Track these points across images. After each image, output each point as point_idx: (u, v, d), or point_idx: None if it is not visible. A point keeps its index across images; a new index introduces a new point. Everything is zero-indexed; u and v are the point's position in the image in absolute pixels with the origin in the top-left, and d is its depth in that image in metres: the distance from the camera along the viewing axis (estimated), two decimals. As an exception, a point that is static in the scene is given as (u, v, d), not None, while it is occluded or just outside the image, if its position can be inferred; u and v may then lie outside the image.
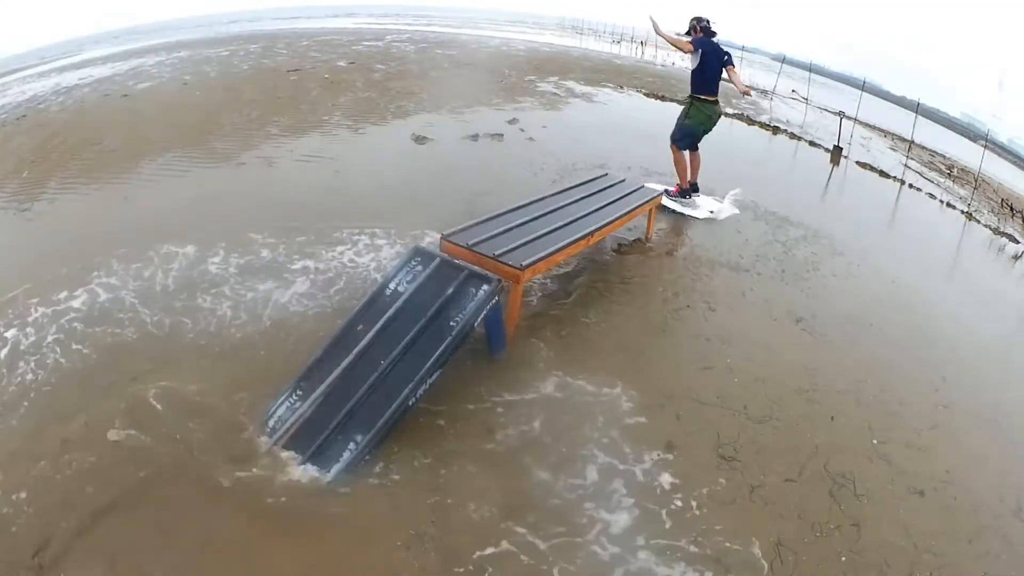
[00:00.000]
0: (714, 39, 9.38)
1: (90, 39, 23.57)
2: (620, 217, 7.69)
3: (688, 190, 9.80)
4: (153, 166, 10.20)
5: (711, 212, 9.71)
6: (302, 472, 4.54)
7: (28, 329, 5.89)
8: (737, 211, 9.90)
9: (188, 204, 8.72)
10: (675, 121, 9.67)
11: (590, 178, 8.67)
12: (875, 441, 5.54)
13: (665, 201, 9.43)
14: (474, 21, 34.88)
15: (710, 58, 9.19)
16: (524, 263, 5.99)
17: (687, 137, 9.56)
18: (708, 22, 9.32)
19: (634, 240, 8.54)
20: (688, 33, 9.35)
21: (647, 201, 8.29)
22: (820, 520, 4.64)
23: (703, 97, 9.36)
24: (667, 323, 6.88)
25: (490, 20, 35.48)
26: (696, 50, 9.13)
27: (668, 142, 9.59)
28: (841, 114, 16.94)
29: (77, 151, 10.88)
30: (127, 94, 14.64)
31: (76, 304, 6.25)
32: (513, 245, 6.25)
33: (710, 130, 9.65)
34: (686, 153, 9.71)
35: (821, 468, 5.13)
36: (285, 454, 4.65)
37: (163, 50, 20.15)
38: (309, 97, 14.62)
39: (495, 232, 6.46)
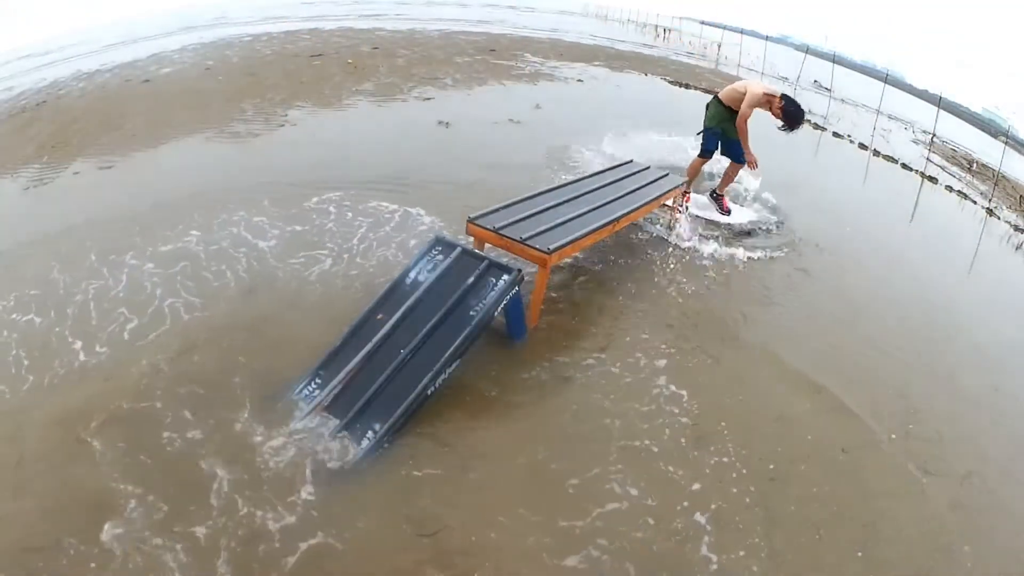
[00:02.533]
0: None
1: (110, 24, 23.48)
2: (646, 204, 7.61)
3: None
4: (175, 150, 10.16)
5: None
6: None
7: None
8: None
9: (209, 189, 8.64)
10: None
11: (615, 164, 8.58)
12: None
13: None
14: (500, 5, 34.76)
15: None
16: (551, 247, 5.92)
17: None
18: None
19: (657, 226, 8.42)
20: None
21: (672, 189, 8.18)
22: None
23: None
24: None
25: (516, 5, 35.32)
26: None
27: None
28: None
29: (98, 136, 10.83)
30: (148, 79, 14.57)
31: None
32: (540, 229, 6.19)
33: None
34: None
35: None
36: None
37: (185, 35, 20.07)
38: (332, 82, 14.50)
39: (522, 216, 6.41)
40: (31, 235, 7.45)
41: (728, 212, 9.08)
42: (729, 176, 9.14)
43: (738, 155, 8.86)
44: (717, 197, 9.18)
